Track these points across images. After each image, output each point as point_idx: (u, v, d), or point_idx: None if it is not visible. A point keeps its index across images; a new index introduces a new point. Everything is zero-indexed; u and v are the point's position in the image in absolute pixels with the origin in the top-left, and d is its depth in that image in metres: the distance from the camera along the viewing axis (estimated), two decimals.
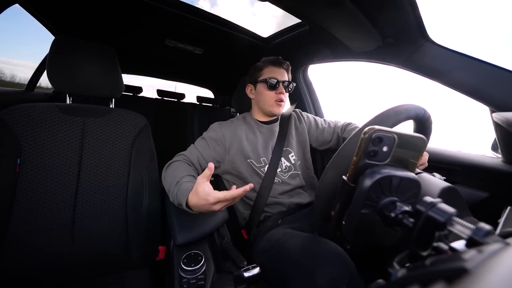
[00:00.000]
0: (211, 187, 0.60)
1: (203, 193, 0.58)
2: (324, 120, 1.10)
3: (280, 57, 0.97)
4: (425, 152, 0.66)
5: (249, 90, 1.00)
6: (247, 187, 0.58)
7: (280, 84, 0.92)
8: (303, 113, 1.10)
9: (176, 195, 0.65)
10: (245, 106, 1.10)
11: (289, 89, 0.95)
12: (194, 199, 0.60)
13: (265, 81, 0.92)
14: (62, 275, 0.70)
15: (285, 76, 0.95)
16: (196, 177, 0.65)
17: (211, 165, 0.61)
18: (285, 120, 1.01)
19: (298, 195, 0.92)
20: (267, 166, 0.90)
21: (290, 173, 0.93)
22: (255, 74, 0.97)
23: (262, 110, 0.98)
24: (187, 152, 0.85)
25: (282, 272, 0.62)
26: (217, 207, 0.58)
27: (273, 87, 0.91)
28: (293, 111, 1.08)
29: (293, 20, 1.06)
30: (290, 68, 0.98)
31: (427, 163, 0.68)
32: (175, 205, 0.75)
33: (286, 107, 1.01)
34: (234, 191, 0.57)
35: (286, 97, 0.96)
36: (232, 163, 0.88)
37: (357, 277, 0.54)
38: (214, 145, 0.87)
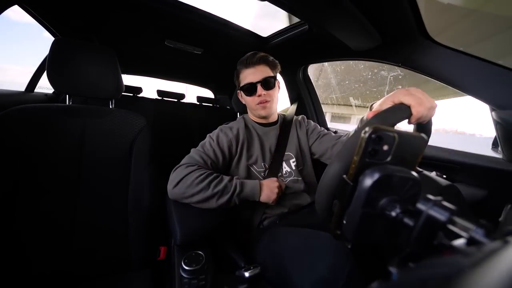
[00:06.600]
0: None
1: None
2: (326, 129, 1.04)
3: (253, 52, 0.89)
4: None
5: (240, 96, 0.99)
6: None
7: (258, 86, 0.87)
8: (305, 119, 1.07)
9: (243, 188, 0.76)
10: (245, 106, 1.09)
11: (271, 84, 0.88)
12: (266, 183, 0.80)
13: (243, 88, 0.90)
14: (62, 275, 0.70)
15: (263, 73, 0.87)
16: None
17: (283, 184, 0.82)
18: (286, 124, 0.98)
19: (299, 197, 0.92)
20: (267, 170, 0.88)
21: (290, 178, 0.92)
22: (237, 81, 0.96)
23: (253, 114, 0.98)
24: (197, 157, 0.79)
25: (284, 266, 0.62)
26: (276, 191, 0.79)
27: (250, 92, 0.89)
28: (295, 116, 1.05)
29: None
30: (268, 58, 0.90)
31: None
32: (175, 205, 0.74)
33: (282, 105, 0.98)
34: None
35: (272, 94, 0.90)
36: (235, 167, 0.88)
37: (356, 269, 0.55)
38: (217, 149, 0.84)
